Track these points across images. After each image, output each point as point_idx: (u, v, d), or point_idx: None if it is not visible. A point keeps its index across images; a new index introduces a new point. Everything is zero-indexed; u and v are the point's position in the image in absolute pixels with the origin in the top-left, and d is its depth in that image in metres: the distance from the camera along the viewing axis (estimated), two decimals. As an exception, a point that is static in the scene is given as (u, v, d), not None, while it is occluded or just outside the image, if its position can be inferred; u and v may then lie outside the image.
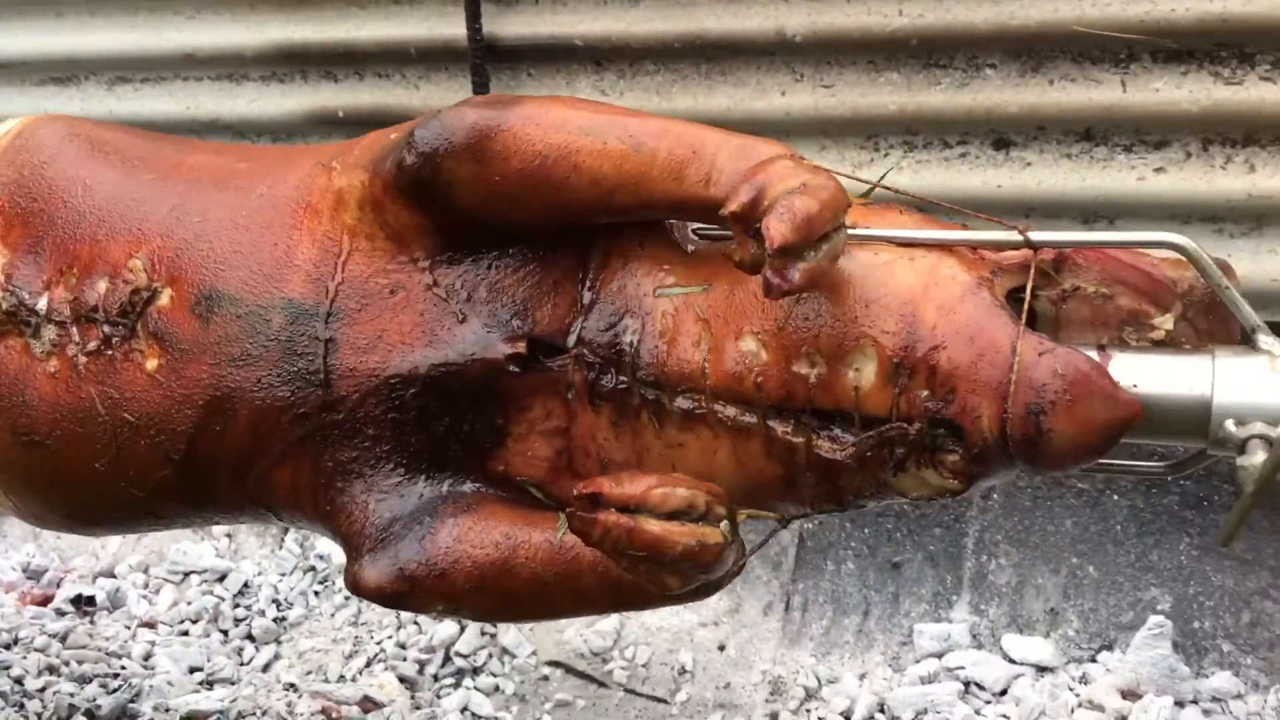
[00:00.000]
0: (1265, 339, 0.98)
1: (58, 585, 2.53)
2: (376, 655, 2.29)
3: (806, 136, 2.31)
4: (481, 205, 1.14)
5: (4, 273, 1.30)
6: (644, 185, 1.09)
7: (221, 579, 2.51)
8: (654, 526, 0.99)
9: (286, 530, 2.56)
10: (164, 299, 1.24)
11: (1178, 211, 2.12)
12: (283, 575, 2.51)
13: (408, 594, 1.17)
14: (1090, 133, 2.15)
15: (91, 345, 1.26)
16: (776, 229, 0.96)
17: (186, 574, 2.55)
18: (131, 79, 2.70)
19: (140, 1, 2.61)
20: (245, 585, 2.49)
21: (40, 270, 1.29)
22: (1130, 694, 1.90)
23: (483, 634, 2.28)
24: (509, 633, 2.27)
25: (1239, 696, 1.91)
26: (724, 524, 1.01)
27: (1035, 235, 1.07)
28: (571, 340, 1.15)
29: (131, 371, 1.24)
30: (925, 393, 1.03)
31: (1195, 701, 1.91)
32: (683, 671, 2.19)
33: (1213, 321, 1.04)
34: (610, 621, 2.27)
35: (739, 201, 1.01)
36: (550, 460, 1.17)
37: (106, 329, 1.25)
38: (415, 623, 2.34)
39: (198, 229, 1.26)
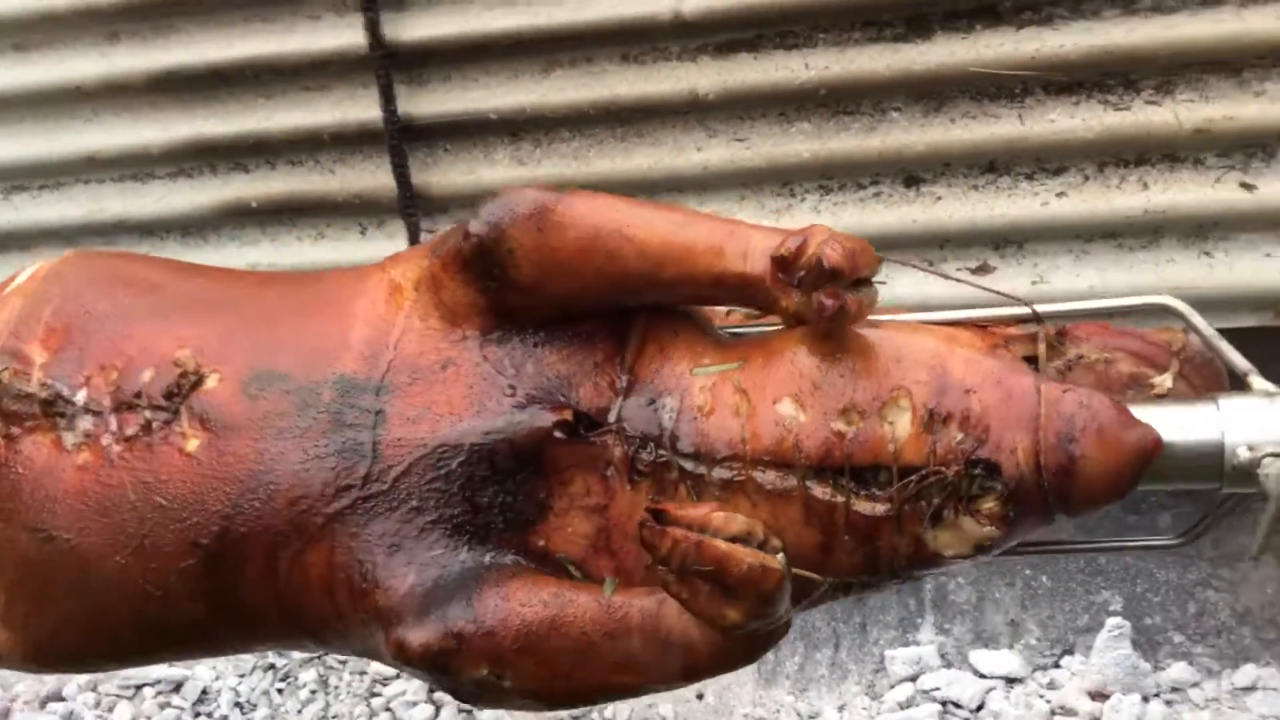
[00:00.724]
0: (1258, 381, 1.08)
1: (5, 716, 2.44)
2: (355, 747, 2.27)
3: (725, 189, 2.37)
4: (538, 274, 1.19)
5: (43, 369, 1.28)
6: (688, 259, 1.16)
7: (177, 688, 2.45)
8: (720, 543, 1.04)
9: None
10: (212, 382, 1.25)
11: (1081, 231, 2.25)
12: (241, 676, 2.46)
13: (455, 652, 1.16)
14: (994, 165, 2.26)
15: (130, 431, 1.25)
16: (830, 254, 1.07)
17: (139, 687, 2.48)
18: (28, 186, 2.64)
19: (30, 107, 2.55)
20: (204, 692, 2.43)
21: (81, 366, 1.29)
22: (1098, 695, 2.00)
23: (463, 711, 2.28)
24: (484, 711, 2.27)
25: (1196, 684, 2.03)
26: (780, 556, 1.05)
27: (1041, 308, 1.16)
28: (612, 417, 1.19)
29: (169, 454, 1.24)
30: (960, 435, 1.09)
31: (1158, 695, 2.02)
32: (663, 724, 2.22)
33: (1207, 376, 1.13)
34: (586, 684, 2.28)
35: (786, 247, 1.10)
36: (590, 538, 1.19)
37: (148, 414, 1.25)
38: (389, 710, 2.33)
39: (251, 317, 1.29)
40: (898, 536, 1.11)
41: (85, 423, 1.27)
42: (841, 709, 2.16)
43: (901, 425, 1.10)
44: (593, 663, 1.16)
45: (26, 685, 2.51)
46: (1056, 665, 2.14)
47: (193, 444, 1.23)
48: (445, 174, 2.44)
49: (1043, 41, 2.14)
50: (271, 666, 2.45)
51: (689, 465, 1.16)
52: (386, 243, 2.54)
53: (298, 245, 2.59)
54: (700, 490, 1.15)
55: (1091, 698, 2.00)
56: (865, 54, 2.22)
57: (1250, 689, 2.06)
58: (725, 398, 1.16)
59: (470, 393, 1.20)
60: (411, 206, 2.44)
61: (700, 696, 2.25)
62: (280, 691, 2.42)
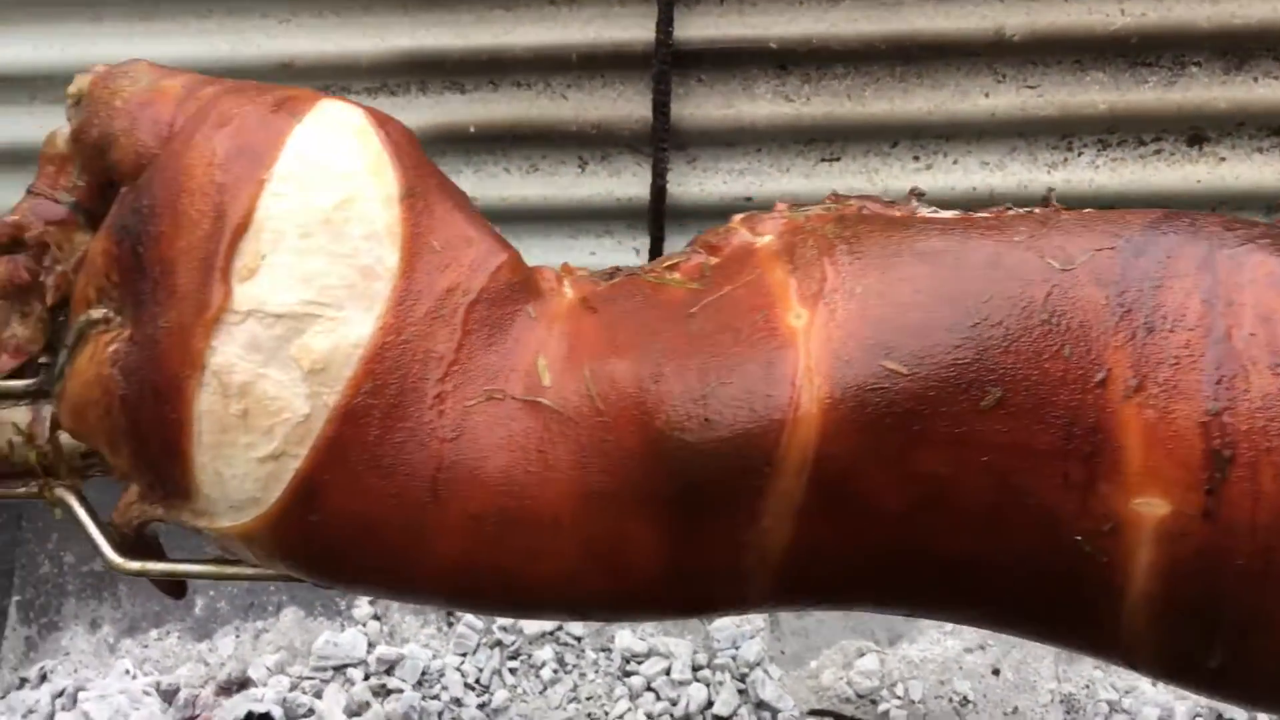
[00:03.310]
0: None
1: (192, 706, 2.13)
2: (623, 733, 2.07)
3: (1000, 138, 2.25)
4: None
5: None
6: None
7: (390, 669, 2.19)
8: None
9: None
10: None
11: (1366, 197, 2.22)
12: (464, 655, 2.21)
13: None
14: (1283, 127, 2.21)
15: None
16: None
17: (338, 668, 2.20)
18: (191, 95, 2.28)
19: (215, 3, 2.20)
20: (424, 673, 2.18)
21: None
22: None
23: (740, 694, 2.11)
24: (766, 688, 2.10)
25: None
26: None
27: None
28: None
29: None
30: None
31: None
32: (965, 702, 2.10)
33: None
34: (870, 660, 2.14)
35: None
36: None
37: None
38: (651, 689, 2.13)
39: None
40: None
41: None
42: (1157, 682, 2.08)
43: None
44: None
45: (189, 670, 2.20)
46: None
47: None
48: (699, 106, 2.23)
49: (1370, 2, 2.09)
50: (499, 644, 2.21)
51: None
52: (609, 179, 2.31)
53: (505, 178, 2.33)
54: None
55: None
56: (1184, 3, 2.12)
57: None
58: None
59: None
60: (665, 140, 2.21)
61: (996, 672, 2.14)
62: (513, 671, 2.18)
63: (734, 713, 2.07)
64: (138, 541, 1.15)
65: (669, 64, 2.14)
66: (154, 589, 2.30)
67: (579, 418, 1.04)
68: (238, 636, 2.27)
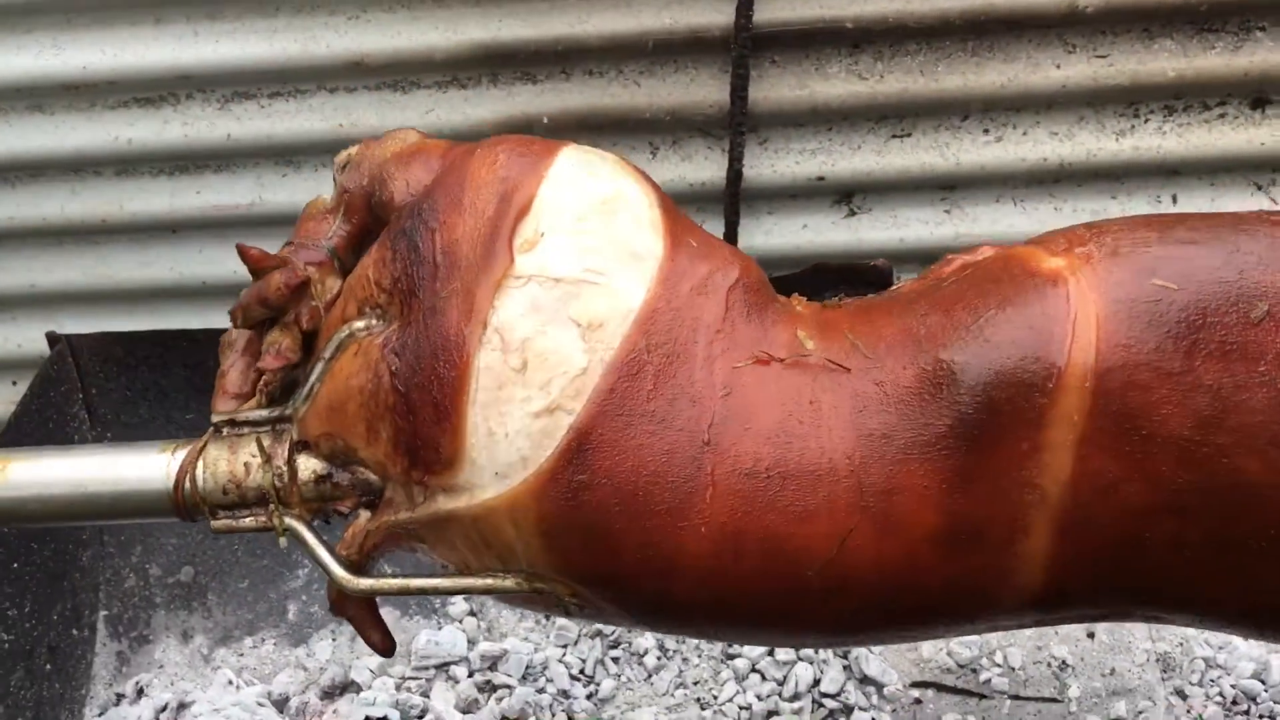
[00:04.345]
0: None
1: (308, 715, 2.12)
2: (738, 717, 2.09)
3: (1068, 109, 2.27)
4: None
5: None
6: None
7: (493, 665, 2.19)
8: None
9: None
10: None
11: None
12: (565, 647, 2.22)
13: None
14: (1346, 87, 2.25)
15: None
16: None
17: (439, 666, 2.20)
18: (255, 94, 2.24)
19: (282, 1, 2.16)
20: (528, 668, 2.19)
21: None
22: None
23: (845, 670, 2.14)
24: (870, 663, 2.13)
25: None
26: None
27: None
28: None
29: None
30: None
31: None
32: (1063, 666, 2.15)
33: None
34: (970, 630, 2.18)
35: None
36: None
37: None
38: (756, 671, 2.16)
39: None
40: None
41: None
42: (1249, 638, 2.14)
43: None
44: None
45: (288, 676, 2.19)
46: None
47: None
48: (773, 88, 2.23)
49: None
50: (599, 633, 2.22)
51: None
52: (681, 164, 2.31)
53: (576, 166, 2.31)
54: None
55: None
56: (1257, -32, 2.15)
57: None
58: None
59: None
60: (743, 123, 2.21)
61: (1091, 635, 2.19)
62: (616, 660, 2.20)
63: (841, 689, 2.10)
64: (361, 570, 1.15)
65: (749, 48, 2.14)
66: (247, 599, 2.27)
67: (850, 366, 1.07)
68: (334, 640, 2.26)
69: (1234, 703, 2.06)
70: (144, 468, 1.15)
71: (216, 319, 2.35)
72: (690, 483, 1.04)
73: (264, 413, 1.16)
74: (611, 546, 1.05)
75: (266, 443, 1.14)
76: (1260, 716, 2.03)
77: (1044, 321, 1.02)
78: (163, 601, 2.28)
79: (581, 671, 2.18)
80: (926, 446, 1.02)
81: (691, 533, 1.04)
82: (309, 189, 2.32)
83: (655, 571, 1.06)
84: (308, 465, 1.14)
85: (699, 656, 2.18)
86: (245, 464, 1.13)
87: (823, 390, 1.06)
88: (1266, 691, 2.06)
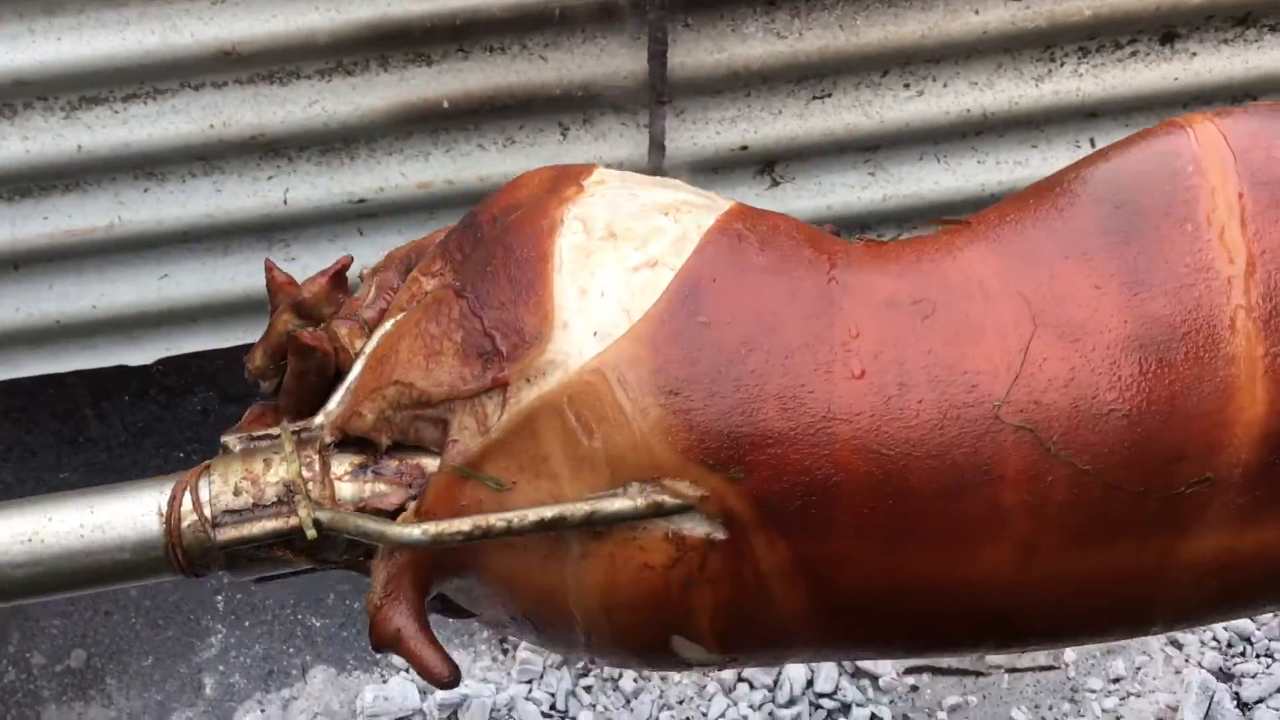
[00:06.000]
0: None
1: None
2: (730, 732, 1.92)
3: (986, 56, 2.20)
4: None
5: None
6: None
7: (453, 715, 1.96)
8: None
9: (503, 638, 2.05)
10: None
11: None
12: (528, 683, 2.01)
13: None
14: (1247, 17, 2.25)
15: None
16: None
17: (395, 723, 1.96)
18: (108, 98, 1.94)
19: (130, -13, 1.88)
20: (493, 711, 1.96)
21: None
22: None
23: (840, 667, 2.00)
24: (862, 654, 2.00)
25: None
26: None
27: None
28: None
29: None
30: None
31: None
32: (1057, 631, 2.07)
33: None
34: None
35: None
36: None
37: None
38: (744, 680, 1.99)
39: None
40: None
41: None
42: None
43: None
44: None
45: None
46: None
47: None
48: (689, 53, 2.07)
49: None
50: (565, 663, 2.02)
51: None
52: (595, 143, 2.13)
53: (481, 155, 2.11)
54: None
55: None
56: (1158, -99, 2.12)
57: None
58: None
59: None
60: (665, 93, 2.05)
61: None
62: (589, 690, 2.00)
63: (837, 687, 1.96)
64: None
65: (666, 8, 1.97)
66: (153, 678, 1.98)
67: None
68: (263, 711, 1.98)
69: (1229, 645, 2.01)
70: (128, 499, 0.91)
71: (81, 360, 2.04)
72: (825, 317, 0.88)
73: (285, 423, 0.93)
74: (746, 397, 0.85)
75: (290, 445, 0.91)
76: (1258, 656, 1.98)
77: (1169, 142, 0.93)
78: (51, 694, 1.95)
79: (553, 707, 1.97)
80: (1079, 248, 0.89)
81: (840, 369, 0.86)
82: (176, 203, 2.04)
83: (807, 428, 0.85)
84: (343, 459, 0.93)
85: (678, 673, 2.00)
86: (265, 460, 0.90)
87: (950, 236, 0.94)
88: (1260, 630, 2.02)
